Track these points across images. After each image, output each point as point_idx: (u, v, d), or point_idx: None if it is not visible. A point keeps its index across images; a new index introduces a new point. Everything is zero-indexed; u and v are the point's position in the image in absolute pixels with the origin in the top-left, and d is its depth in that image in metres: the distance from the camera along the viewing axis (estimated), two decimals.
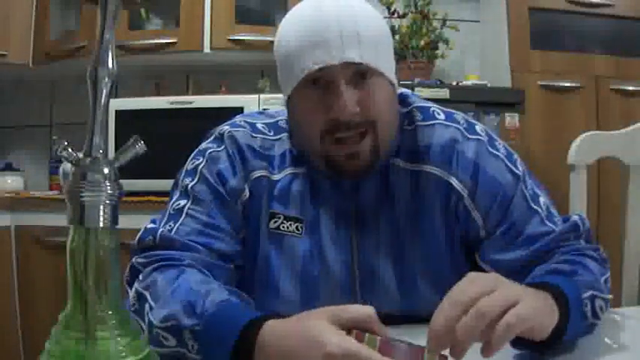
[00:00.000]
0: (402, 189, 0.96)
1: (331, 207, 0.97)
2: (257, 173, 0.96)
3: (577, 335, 0.79)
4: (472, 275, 0.69)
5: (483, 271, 0.95)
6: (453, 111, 1.02)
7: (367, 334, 0.64)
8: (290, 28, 0.93)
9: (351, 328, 0.65)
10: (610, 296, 0.84)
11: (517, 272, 0.89)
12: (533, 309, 0.66)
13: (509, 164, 0.96)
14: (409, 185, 0.96)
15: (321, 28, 0.88)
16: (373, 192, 0.96)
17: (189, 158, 1.00)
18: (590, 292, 0.79)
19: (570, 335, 0.76)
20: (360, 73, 0.89)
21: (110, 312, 0.47)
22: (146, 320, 0.78)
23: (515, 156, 0.99)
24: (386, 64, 0.92)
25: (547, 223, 0.93)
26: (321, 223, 0.96)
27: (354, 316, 0.65)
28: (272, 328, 0.69)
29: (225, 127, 1.00)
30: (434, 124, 0.98)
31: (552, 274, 0.82)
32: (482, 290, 0.64)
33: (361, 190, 0.96)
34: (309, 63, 0.88)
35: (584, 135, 1.38)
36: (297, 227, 0.96)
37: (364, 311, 0.66)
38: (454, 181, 0.95)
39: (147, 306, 0.79)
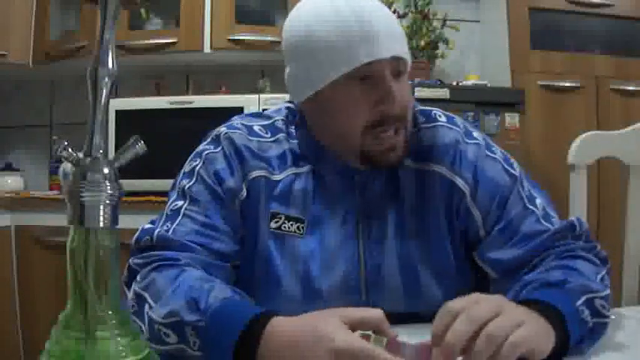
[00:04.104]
0: (408, 187, 0.98)
1: (338, 204, 0.97)
2: (255, 173, 0.96)
3: (591, 341, 0.79)
4: (476, 296, 0.70)
5: (483, 269, 0.97)
6: (453, 115, 1.05)
7: (373, 335, 0.65)
8: (322, 20, 0.92)
9: (359, 328, 0.66)
10: (608, 292, 0.83)
11: (514, 270, 0.91)
12: (535, 331, 0.68)
13: (506, 166, 0.99)
14: (415, 184, 0.98)
15: (366, 22, 0.90)
16: (382, 189, 0.98)
17: (187, 160, 1.00)
18: (584, 297, 0.79)
19: (576, 344, 0.76)
20: (398, 69, 0.92)
21: (110, 312, 0.47)
22: (146, 319, 0.78)
23: (512, 159, 1.02)
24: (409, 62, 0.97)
25: (543, 222, 0.94)
26: (326, 220, 0.96)
27: (364, 315, 0.67)
28: (281, 320, 0.70)
29: (222, 129, 1.00)
30: (436, 125, 1.01)
31: (544, 289, 0.82)
32: (490, 313, 0.66)
33: (370, 187, 0.98)
34: (359, 56, 0.89)
35: (584, 135, 1.38)
36: (298, 227, 0.96)
37: (375, 313, 0.67)
38: (458, 181, 0.97)
39: (146, 306, 0.79)
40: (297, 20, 0.96)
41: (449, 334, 0.64)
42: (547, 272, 0.85)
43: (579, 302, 0.78)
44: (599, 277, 0.85)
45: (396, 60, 0.91)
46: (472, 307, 0.66)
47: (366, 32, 0.89)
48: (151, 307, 0.78)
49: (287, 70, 0.99)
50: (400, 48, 0.92)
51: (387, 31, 0.91)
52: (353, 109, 0.91)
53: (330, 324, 0.66)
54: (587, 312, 0.78)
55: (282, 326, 0.69)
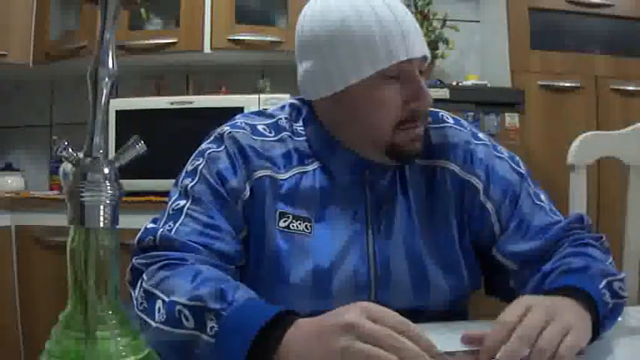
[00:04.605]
0: (417, 183, 1.00)
1: (348, 200, 0.98)
2: (260, 173, 0.95)
3: (611, 321, 0.83)
4: (527, 302, 0.73)
5: (496, 263, 1.00)
6: (459, 117, 1.08)
7: None
8: (360, 15, 0.92)
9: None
10: (624, 274, 0.87)
11: (534, 261, 0.94)
12: (581, 333, 0.72)
13: (513, 165, 1.03)
14: (424, 180, 1.01)
15: (400, 20, 0.92)
16: (391, 185, 0.99)
17: (190, 159, 0.99)
18: (605, 281, 0.83)
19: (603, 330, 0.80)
20: (422, 68, 0.96)
21: (110, 312, 0.47)
22: (163, 304, 0.76)
23: (517, 158, 1.06)
24: None
25: (552, 215, 0.99)
26: (335, 217, 0.97)
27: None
28: (306, 319, 0.69)
29: (225, 128, 0.99)
30: (444, 126, 1.03)
31: (570, 275, 0.85)
32: (542, 322, 0.70)
33: (380, 183, 0.99)
34: (398, 54, 0.91)
35: (584, 135, 1.38)
36: (306, 226, 0.96)
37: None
38: (471, 178, 1.00)
39: (159, 302, 0.77)
40: (326, 14, 0.94)
41: (503, 355, 0.67)
42: (566, 259, 0.89)
43: (601, 285, 0.82)
44: (609, 262, 0.90)
45: (424, 59, 0.95)
46: (524, 320, 0.69)
47: (402, 30, 0.91)
48: (164, 302, 0.76)
49: (304, 65, 0.98)
50: (426, 48, 0.95)
51: (416, 30, 0.94)
52: (388, 106, 0.93)
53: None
54: (607, 294, 0.82)
55: (309, 320, 0.69)
